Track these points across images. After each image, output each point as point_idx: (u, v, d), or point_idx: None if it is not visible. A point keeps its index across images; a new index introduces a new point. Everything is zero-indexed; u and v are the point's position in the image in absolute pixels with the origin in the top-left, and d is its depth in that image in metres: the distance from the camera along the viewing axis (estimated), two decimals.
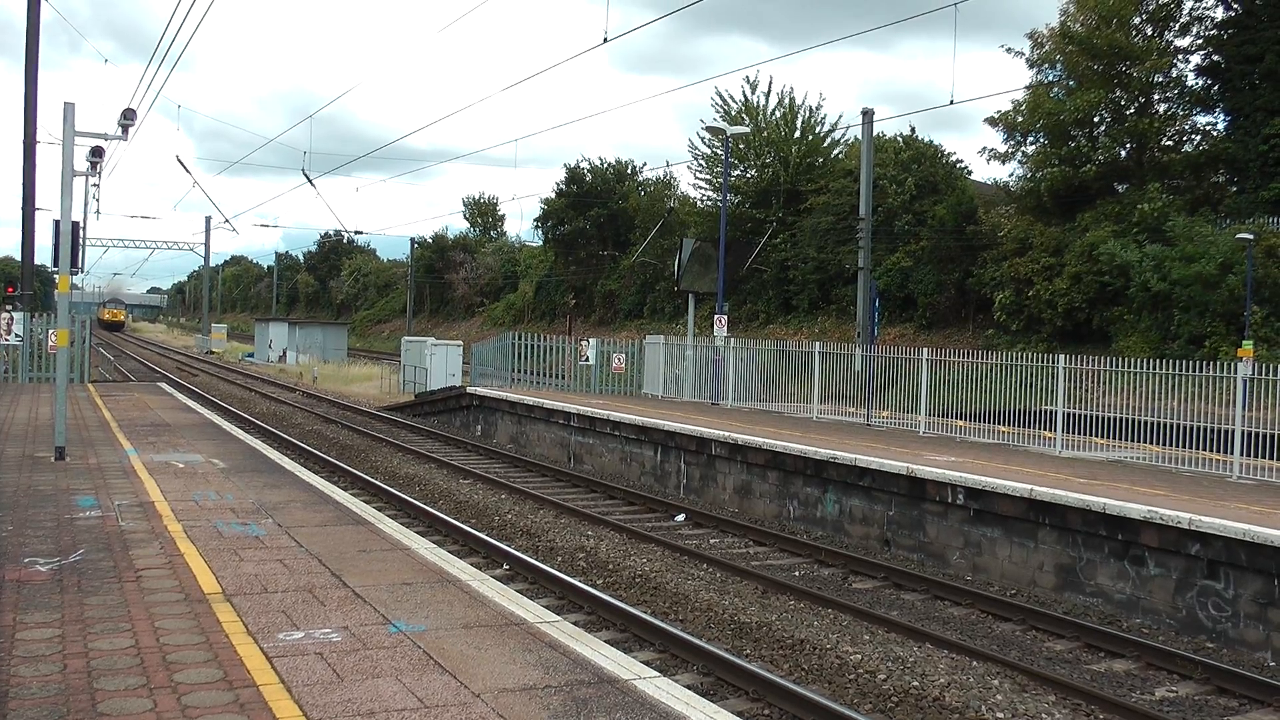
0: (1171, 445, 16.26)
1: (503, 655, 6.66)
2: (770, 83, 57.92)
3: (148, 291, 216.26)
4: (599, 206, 69.36)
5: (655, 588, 12.59)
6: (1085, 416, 18.94)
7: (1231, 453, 15.25)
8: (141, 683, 5.92)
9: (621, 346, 31.86)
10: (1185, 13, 41.83)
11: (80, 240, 23.76)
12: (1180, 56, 42.14)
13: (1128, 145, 42.32)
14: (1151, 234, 36.44)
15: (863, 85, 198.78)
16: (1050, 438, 18.01)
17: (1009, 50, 44.98)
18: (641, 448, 21.23)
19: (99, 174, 25.36)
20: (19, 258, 33.23)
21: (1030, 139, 44.33)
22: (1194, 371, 15.99)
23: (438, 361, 38.21)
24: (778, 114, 57.16)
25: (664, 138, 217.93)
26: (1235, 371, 15.58)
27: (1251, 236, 32.23)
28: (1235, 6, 40.71)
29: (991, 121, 44.19)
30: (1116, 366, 17.46)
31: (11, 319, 27.48)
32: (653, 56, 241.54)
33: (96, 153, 17.93)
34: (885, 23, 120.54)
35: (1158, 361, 17.56)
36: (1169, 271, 34.25)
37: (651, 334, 37.08)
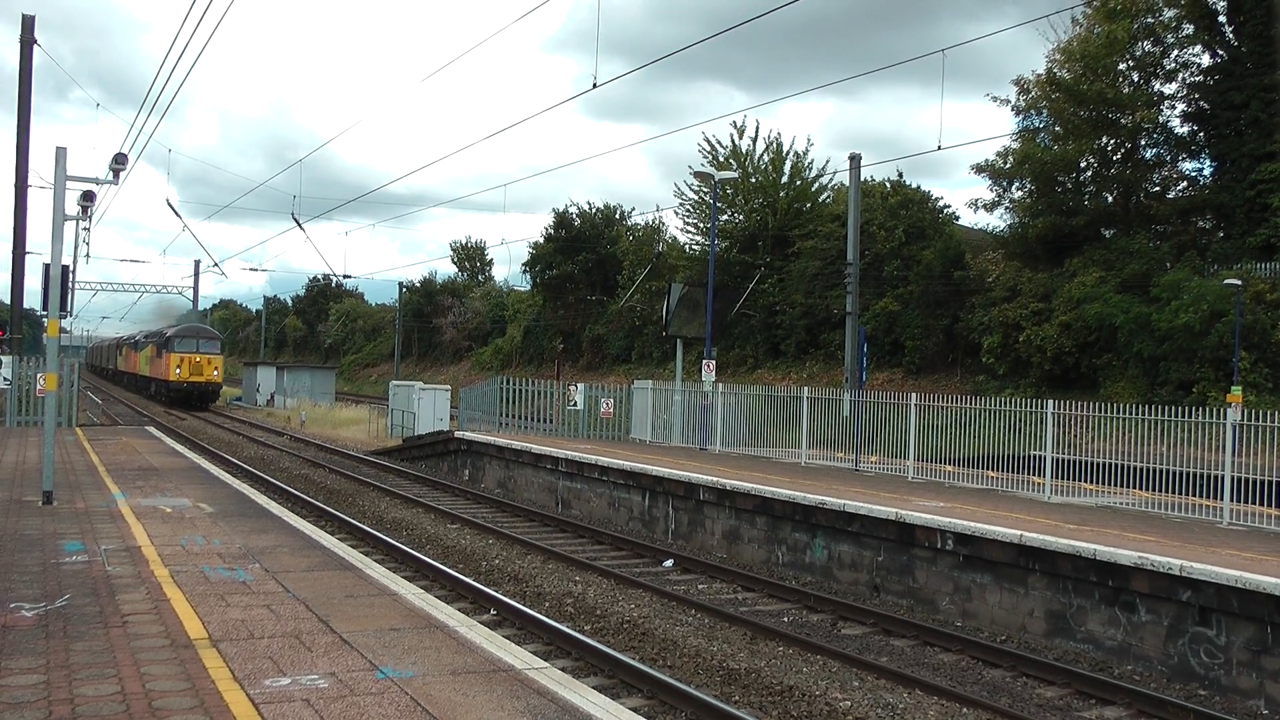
0: (1160, 491, 16.26)
1: (490, 702, 6.61)
2: (758, 128, 58.35)
3: None
4: (587, 251, 69.57)
5: (643, 633, 12.52)
6: (1074, 462, 18.94)
7: (1221, 498, 15.27)
8: None
9: (610, 391, 31.81)
10: (1171, 60, 42.37)
11: (70, 284, 23.75)
12: (1166, 103, 42.66)
13: (1115, 191, 42.68)
14: (1138, 286, 36.65)
15: (834, 133, 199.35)
16: (1039, 483, 17.99)
17: (994, 98, 45.66)
18: (629, 493, 21.17)
19: (89, 218, 25.37)
20: (8, 301, 33.25)
21: (1016, 185, 44.75)
22: (1183, 417, 16.01)
23: (425, 406, 38.17)
24: (766, 158, 57.47)
25: (638, 181, 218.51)
26: (1224, 418, 15.60)
27: (1239, 283, 32.45)
28: (1220, 53, 41.19)
29: (979, 169, 44.63)
30: (1105, 412, 17.47)
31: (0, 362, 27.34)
32: (624, 103, 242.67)
33: (88, 197, 17.95)
34: (870, 69, 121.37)
35: (1146, 407, 17.58)
36: (1156, 328, 34.46)
37: (640, 378, 37.07)
